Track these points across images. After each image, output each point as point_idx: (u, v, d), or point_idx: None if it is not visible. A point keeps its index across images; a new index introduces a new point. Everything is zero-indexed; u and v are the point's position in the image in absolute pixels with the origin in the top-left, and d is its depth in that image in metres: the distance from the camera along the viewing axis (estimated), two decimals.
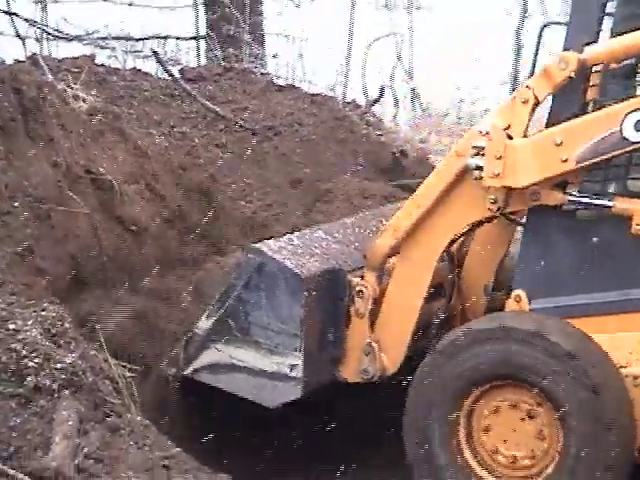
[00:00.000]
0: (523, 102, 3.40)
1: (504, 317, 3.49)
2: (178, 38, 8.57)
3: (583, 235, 3.45)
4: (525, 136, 3.41)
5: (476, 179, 3.43)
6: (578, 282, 3.46)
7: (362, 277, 3.72)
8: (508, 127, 3.42)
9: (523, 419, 3.31)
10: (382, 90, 9.01)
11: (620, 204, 3.33)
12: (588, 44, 3.38)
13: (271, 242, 3.80)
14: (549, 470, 3.24)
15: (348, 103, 7.85)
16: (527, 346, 3.24)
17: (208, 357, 3.86)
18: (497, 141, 3.36)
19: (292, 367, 3.60)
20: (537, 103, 3.41)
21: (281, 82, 7.85)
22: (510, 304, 3.54)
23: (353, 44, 9.80)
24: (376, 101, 8.68)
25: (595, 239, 3.42)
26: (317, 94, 7.26)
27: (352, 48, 9.81)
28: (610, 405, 3.17)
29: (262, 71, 7.78)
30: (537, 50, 3.73)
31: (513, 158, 3.35)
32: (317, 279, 3.63)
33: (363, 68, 10.56)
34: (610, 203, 3.33)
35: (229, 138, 6.36)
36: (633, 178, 3.44)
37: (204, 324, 3.89)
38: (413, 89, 12.15)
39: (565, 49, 3.40)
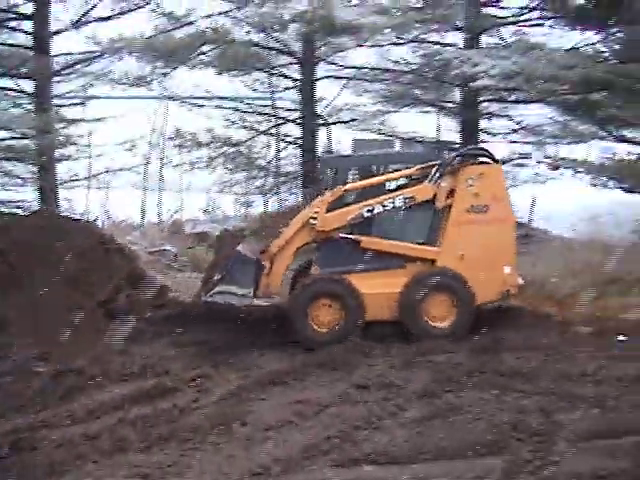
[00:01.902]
0: (328, 202, 10.20)
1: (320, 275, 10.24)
2: None
3: (340, 247, 10.17)
4: (329, 211, 10.15)
5: (312, 227, 10.09)
6: (337, 263, 10.16)
7: (265, 259, 10.18)
8: (321, 209, 10.16)
9: (330, 307, 9.91)
10: None
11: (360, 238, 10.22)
12: (345, 184, 10.44)
13: (243, 244, 10.60)
14: (340, 324, 9.85)
15: None
16: (333, 283, 9.95)
17: (216, 289, 9.75)
18: (321, 212, 10.14)
19: (249, 292, 9.89)
20: (330, 202, 10.15)
21: None
22: (314, 271, 10.29)
23: None
24: None
25: (345, 247, 10.12)
26: None
27: None
28: (358, 300, 9.90)
29: None
30: (336, 176, 10.76)
31: (326, 220, 10.15)
32: (255, 261, 10.05)
33: None
34: (357, 237, 10.13)
35: None
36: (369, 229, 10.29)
37: (216, 276, 9.94)
38: None
39: (338, 185, 10.31)
